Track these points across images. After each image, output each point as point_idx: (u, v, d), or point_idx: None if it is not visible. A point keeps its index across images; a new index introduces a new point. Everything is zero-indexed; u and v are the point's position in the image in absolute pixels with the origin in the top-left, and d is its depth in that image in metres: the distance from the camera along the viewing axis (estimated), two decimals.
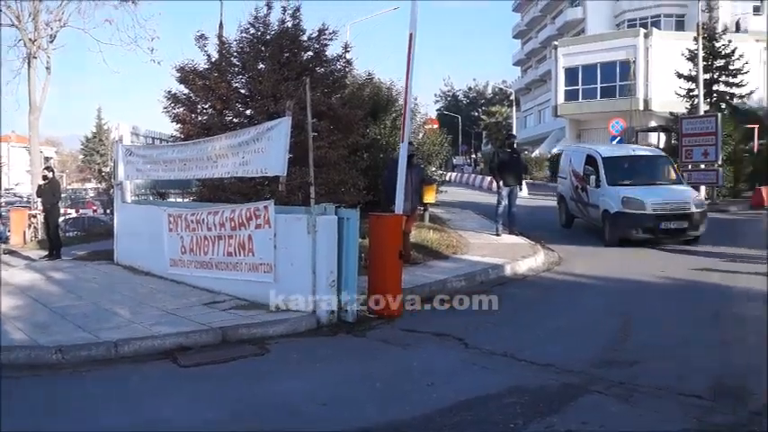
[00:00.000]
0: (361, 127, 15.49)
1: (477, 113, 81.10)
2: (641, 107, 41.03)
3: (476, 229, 16.88)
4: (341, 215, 8.35)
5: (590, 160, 16.18)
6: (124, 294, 10.00)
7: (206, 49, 14.04)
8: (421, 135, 21.07)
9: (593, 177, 15.57)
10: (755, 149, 30.47)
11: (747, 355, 6.54)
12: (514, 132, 49.89)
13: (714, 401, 5.36)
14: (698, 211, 14.22)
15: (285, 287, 8.53)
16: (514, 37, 75.80)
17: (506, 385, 5.88)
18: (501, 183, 15.47)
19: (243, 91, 14.23)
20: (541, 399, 5.56)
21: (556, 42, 49.21)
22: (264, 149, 9.00)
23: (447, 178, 32.43)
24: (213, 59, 14.08)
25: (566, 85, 46.53)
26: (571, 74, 46.16)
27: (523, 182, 15.97)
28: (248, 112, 14.03)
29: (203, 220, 10.03)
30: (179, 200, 16.26)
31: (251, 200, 10.77)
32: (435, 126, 26.13)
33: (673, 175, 15.90)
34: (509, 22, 78.42)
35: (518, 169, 15.71)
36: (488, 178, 33.81)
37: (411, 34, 9.65)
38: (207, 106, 14.08)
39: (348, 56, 15.07)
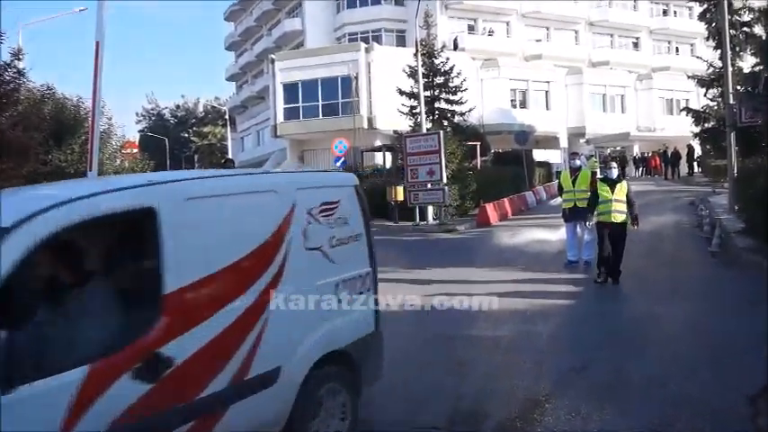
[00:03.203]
0: (40, 152, 13.98)
1: (187, 134, 77.07)
2: (365, 125, 40.61)
3: None
4: None
5: None
6: None
7: None
8: (118, 161, 19.87)
9: None
10: (479, 166, 31.07)
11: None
12: (230, 155, 46.73)
13: (452, 430, 5.79)
14: None
15: None
16: (227, 49, 72.86)
17: None
18: None
19: None
20: None
21: (273, 56, 47.16)
22: None
23: None
24: None
25: (285, 103, 44.57)
26: (291, 90, 44.36)
27: None
28: None
29: None
30: None
31: None
32: (135, 150, 25.80)
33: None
34: (220, 33, 74.72)
35: None
36: None
37: (98, 42, 9.05)
38: None
39: (21, 65, 13.36)
